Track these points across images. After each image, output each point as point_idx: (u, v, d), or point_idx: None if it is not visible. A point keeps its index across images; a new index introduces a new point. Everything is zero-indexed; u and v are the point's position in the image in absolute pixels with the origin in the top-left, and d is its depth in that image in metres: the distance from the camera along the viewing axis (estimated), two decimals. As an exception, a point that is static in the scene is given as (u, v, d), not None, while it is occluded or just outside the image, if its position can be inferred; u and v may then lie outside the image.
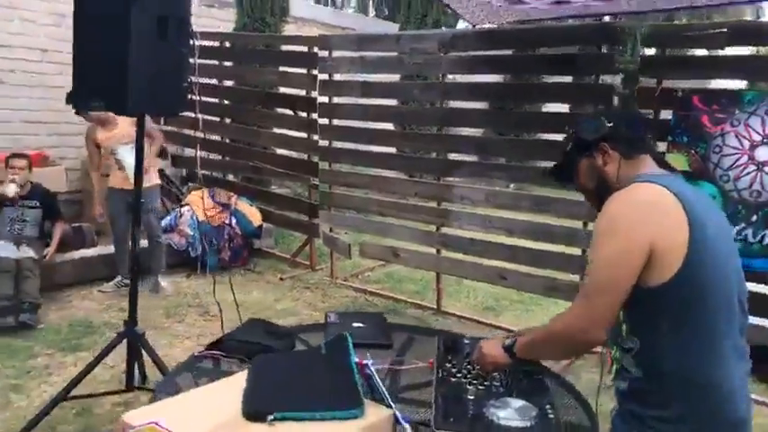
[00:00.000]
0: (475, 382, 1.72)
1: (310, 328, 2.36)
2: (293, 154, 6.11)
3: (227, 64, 6.40)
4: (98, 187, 5.19)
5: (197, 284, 5.46)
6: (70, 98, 4.55)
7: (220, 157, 6.52)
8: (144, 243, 5.02)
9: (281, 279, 5.77)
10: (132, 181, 4.71)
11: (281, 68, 5.89)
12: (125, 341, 2.96)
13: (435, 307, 5.10)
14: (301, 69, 5.51)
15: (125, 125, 4.63)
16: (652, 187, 1.48)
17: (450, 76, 4.72)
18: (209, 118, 6.39)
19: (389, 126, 5.19)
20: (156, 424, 1.30)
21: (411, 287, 5.71)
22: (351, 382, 1.52)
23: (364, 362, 1.61)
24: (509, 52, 5.17)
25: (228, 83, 6.54)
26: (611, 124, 1.58)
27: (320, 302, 5.23)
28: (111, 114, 4.56)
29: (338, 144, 5.47)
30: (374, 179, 5.39)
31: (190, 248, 5.80)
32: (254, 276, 5.84)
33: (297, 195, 6.78)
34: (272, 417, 1.39)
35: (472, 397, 1.63)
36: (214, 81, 6.29)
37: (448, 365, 1.83)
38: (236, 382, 1.54)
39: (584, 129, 1.61)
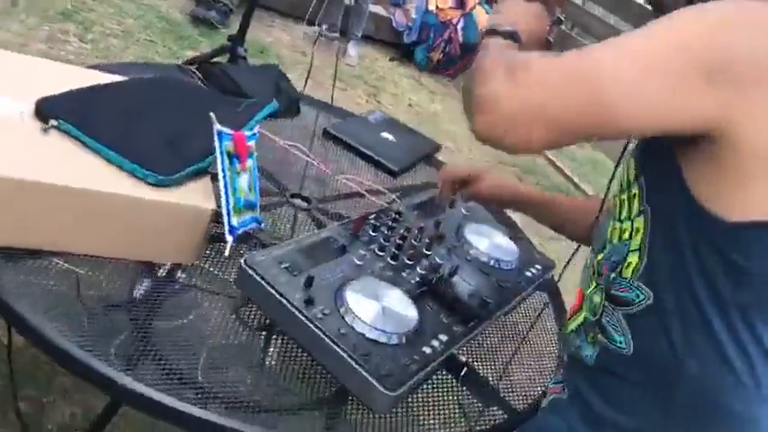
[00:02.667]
0: (396, 251, 1.14)
1: (337, 111, 1.88)
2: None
3: None
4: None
5: (393, 71, 5.12)
6: None
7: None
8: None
9: (475, 106, 5.18)
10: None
11: None
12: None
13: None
14: None
15: None
16: None
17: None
18: None
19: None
20: None
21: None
22: (197, 150, 1.05)
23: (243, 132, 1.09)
24: None
25: None
26: None
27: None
28: None
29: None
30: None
31: (405, 33, 5.39)
32: (453, 92, 5.31)
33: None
34: (56, 122, 1.00)
35: (359, 263, 1.08)
36: None
37: (391, 214, 1.26)
38: (100, 78, 1.15)
39: None
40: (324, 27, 4.97)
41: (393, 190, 1.52)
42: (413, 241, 1.21)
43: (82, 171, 0.95)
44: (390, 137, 1.75)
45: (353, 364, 0.88)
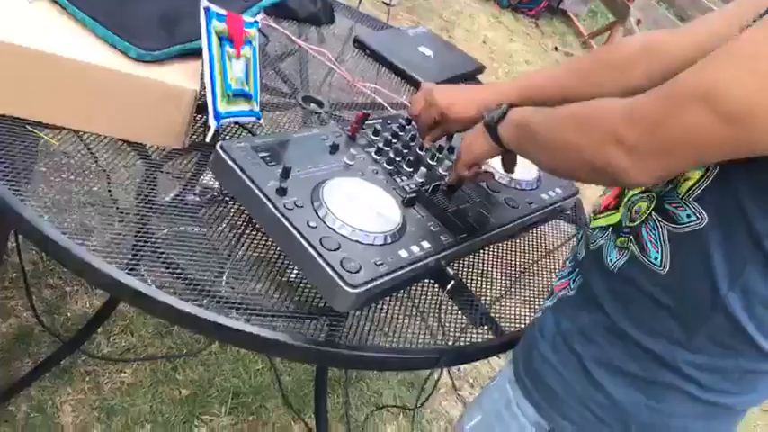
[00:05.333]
0: (395, 157, 1.07)
1: (377, 23, 1.78)
2: None
3: None
4: None
5: (471, 6, 4.90)
6: None
7: None
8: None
9: (556, 49, 4.91)
10: None
11: None
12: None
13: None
14: None
15: None
16: None
17: None
18: None
19: None
20: None
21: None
22: (192, 31, 0.99)
23: (245, 20, 1.03)
24: None
25: None
26: None
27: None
28: None
29: None
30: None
31: (489, -33, 5.13)
32: (533, 32, 5.05)
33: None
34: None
35: (349, 162, 1.01)
36: None
37: (399, 121, 1.18)
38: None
39: None
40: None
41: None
42: (418, 150, 1.13)
43: (61, 39, 0.92)
44: (428, 52, 1.65)
45: (316, 256, 0.83)
